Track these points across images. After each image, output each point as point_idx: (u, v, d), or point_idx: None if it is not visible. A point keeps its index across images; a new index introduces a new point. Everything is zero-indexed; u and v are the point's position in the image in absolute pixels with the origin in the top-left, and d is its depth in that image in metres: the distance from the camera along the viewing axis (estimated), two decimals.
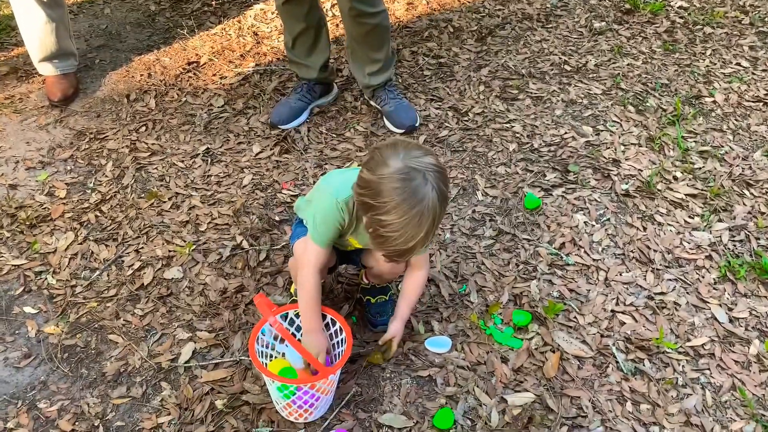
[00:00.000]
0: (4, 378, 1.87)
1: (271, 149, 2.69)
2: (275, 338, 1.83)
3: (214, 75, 3.14)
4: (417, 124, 2.75)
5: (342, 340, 1.77)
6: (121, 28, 3.51)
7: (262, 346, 1.79)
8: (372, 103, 2.86)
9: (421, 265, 1.85)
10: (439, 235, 2.32)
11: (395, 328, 1.88)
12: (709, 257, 2.25)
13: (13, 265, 2.19)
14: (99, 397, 1.83)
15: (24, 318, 2.04)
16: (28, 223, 2.33)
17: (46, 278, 2.15)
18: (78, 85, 3.03)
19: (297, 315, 1.83)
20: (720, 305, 2.10)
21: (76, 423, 1.76)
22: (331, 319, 1.80)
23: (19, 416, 1.77)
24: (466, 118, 2.85)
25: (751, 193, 2.50)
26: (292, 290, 2.04)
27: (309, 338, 1.73)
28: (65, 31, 2.92)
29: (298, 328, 1.84)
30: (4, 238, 2.28)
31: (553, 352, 1.95)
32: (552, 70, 3.16)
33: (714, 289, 2.15)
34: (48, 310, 2.06)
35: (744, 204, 2.45)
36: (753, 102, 2.97)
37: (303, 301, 1.74)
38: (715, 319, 2.06)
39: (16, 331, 2.00)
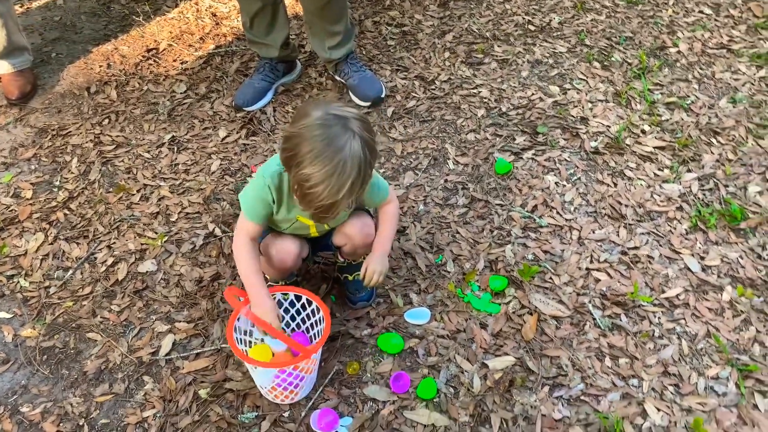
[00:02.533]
0: None
1: (237, 132, 2.66)
2: (253, 324, 1.83)
3: (175, 61, 3.08)
4: (383, 95, 2.73)
5: (320, 318, 1.78)
6: (75, 18, 3.42)
7: (242, 333, 1.79)
8: (337, 77, 2.83)
9: (389, 203, 1.85)
10: (413, 207, 2.32)
11: (370, 260, 1.80)
12: (680, 208, 2.27)
13: None
14: (82, 396, 1.82)
15: None
16: None
17: (18, 281, 2.13)
18: (36, 81, 2.96)
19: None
20: (692, 255, 2.13)
21: (61, 424, 1.76)
22: (307, 299, 1.80)
23: (2, 422, 1.76)
24: (433, 87, 2.83)
25: (719, 141, 2.51)
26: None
27: (257, 310, 1.68)
28: (14, 25, 2.84)
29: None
30: None
31: (531, 314, 1.97)
32: (516, 31, 3.14)
33: (686, 239, 2.18)
34: (23, 313, 2.04)
35: (711, 153, 2.47)
36: (717, 49, 2.97)
37: (241, 273, 1.72)
38: (688, 269, 2.09)
39: None
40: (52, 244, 2.24)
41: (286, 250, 1.77)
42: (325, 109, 1.49)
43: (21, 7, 3.48)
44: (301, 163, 1.46)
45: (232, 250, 1.84)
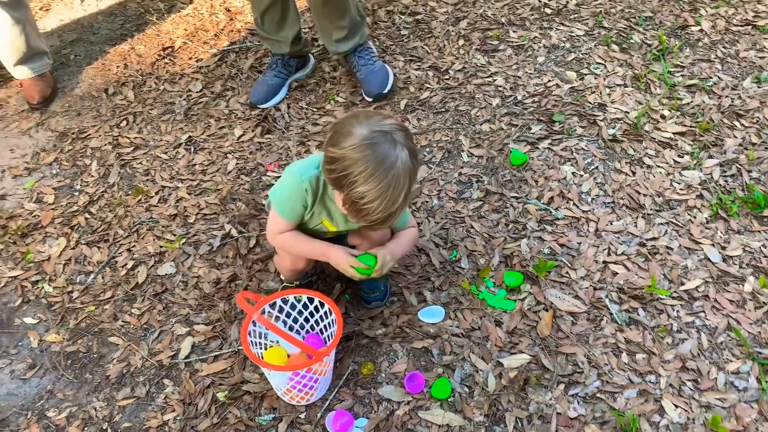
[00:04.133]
0: (12, 390, 1.92)
1: (252, 131, 2.67)
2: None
3: (190, 59, 3.09)
4: (386, 91, 2.68)
5: (332, 321, 1.79)
6: (93, 18, 3.46)
7: (257, 336, 1.81)
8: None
9: (410, 227, 1.88)
10: (427, 202, 2.31)
11: (382, 249, 1.77)
12: (701, 196, 2.22)
13: (9, 277, 2.22)
14: (105, 400, 1.87)
15: (25, 329, 2.08)
16: (19, 233, 2.35)
17: (42, 287, 2.18)
18: (55, 84, 3.01)
19: (284, 301, 1.84)
20: (713, 245, 2.08)
21: (85, 428, 1.81)
22: (320, 301, 1.82)
23: (30, 427, 1.82)
24: (446, 77, 2.80)
25: (742, 124, 2.44)
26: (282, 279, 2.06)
27: (333, 259, 1.75)
28: (33, 30, 2.88)
29: (288, 315, 1.87)
30: None
31: (546, 310, 1.96)
32: (532, 15, 3.07)
33: (706, 228, 2.13)
34: (48, 318, 2.10)
35: (734, 136, 2.40)
36: (741, 26, 2.88)
37: (300, 247, 1.77)
38: (708, 259, 2.05)
39: (19, 343, 2.04)
40: (74, 248, 2.29)
41: None
42: (368, 125, 1.50)
43: (41, 10, 3.53)
44: (355, 183, 1.47)
45: (277, 248, 1.85)
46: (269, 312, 1.84)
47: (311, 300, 1.84)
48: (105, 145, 2.69)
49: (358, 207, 1.51)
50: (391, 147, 1.48)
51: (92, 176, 2.56)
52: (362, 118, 1.53)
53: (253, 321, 1.76)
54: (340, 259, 1.73)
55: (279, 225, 1.74)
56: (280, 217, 1.72)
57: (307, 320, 1.90)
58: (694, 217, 2.17)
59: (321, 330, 1.89)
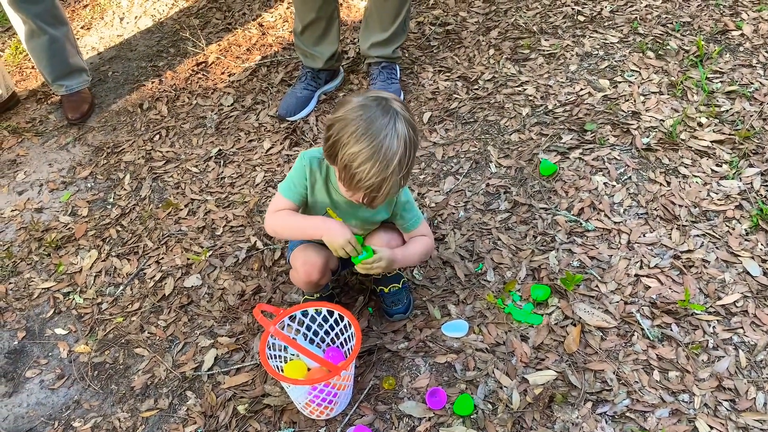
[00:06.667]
0: (41, 400, 1.96)
1: (281, 143, 2.68)
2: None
3: (223, 73, 3.14)
4: None
5: (352, 334, 1.77)
6: (131, 36, 3.54)
7: (277, 350, 1.80)
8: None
9: (426, 236, 1.84)
10: (453, 213, 2.27)
11: (383, 253, 1.70)
12: (740, 207, 2.13)
13: (42, 289, 2.27)
14: (129, 411, 1.89)
15: (56, 339, 2.12)
16: (54, 245, 2.40)
17: (73, 298, 2.23)
18: (93, 101, 3.09)
19: (304, 314, 1.83)
20: (752, 257, 1.99)
21: None
22: (339, 314, 1.80)
23: None
24: (476, 87, 2.76)
25: None
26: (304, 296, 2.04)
27: (328, 233, 1.63)
28: (72, 47, 2.97)
29: (308, 328, 1.86)
30: (33, 262, 2.37)
31: (574, 325, 1.89)
32: (565, 23, 3.02)
33: (745, 240, 2.04)
34: (77, 329, 2.13)
35: None
36: None
37: (287, 226, 1.70)
38: (748, 273, 1.95)
39: (49, 353, 2.08)
40: (104, 261, 2.33)
41: (312, 261, 1.77)
42: (365, 93, 1.55)
43: (83, 29, 3.63)
44: (347, 144, 1.48)
45: (272, 231, 1.76)
46: (289, 325, 1.83)
47: (331, 313, 1.82)
48: (138, 159, 2.74)
49: (351, 172, 1.50)
50: (385, 111, 1.49)
51: (125, 189, 2.61)
52: (363, 92, 1.58)
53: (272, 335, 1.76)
54: (335, 232, 1.62)
55: (278, 203, 1.74)
56: (280, 195, 1.73)
57: (327, 333, 1.88)
58: (733, 229, 2.07)
59: (342, 343, 1.87)
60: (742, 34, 2.77)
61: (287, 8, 3.48)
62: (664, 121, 2.44)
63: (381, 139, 1.47)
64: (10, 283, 2.31)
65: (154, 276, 2.25)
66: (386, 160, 1.47)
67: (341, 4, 3.37)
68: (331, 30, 2.67)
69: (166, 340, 2.06)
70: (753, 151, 2.28)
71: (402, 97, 2.74)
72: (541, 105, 2.62)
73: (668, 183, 2.24)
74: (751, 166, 2.24)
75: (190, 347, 2.03)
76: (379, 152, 1.47)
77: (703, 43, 2.71)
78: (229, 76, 3.11)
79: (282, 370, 1.79)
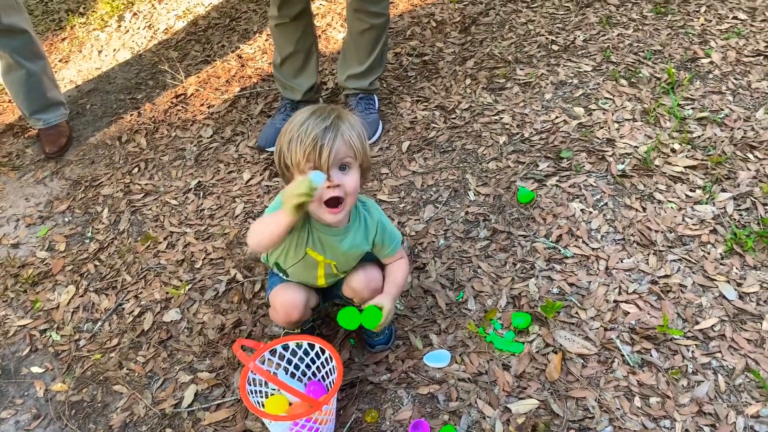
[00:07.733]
0: None
1: (260, 174, 2.69)
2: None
3: (202, 105, 3.14)
4: (370, 142, 2.70)
5: (334, 367, 1.75)
6: (109, 69, 3.54)
7: (257, 385, 1.79)
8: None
9: (402, 258, 1.86)
10: (433, 242, 2.28)
11: (379, 300, 1.74)
12: (714, 231, 2.16)
13: (18, 326, 2.24)
14: None
15: (32, 378, 2.08)
16: (30, 281, 2.37)
17: (50, 335, 2.19)
18: (71, 134, 3.07)
19: (285, 348, 1.82)
20: (728, 281, 2.01)
21: None
22: (320, 347, 1.79)
23: None
24: (453, 116, 2.80)
25: (756, 156, 2.38)
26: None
27: (287, 191, 1.51)
28: (50, 81, 2.96)
29: (289, 362, 1.84)
30: (9, 299, 2.33)
31: (555, 353, 1.90)
32: (539, 52, 3.07)
33: (721, 264, 2.07)
34: (54, 367, 2.10)
35: (748, 169, 2.34)
36: (753, 57, 2.83)
37: (262, 224, 1.66)
38: (724, 297, 1.98)
39: (25, 393, 2.04)
40: (82, 296, 2.31)
41: (293, 302, 1.76)
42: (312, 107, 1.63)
43: (60, 62, 3.63)
44: (284, 132, 1.58)
45: (253, 241, 1.67)
46: (269, 359, 1.82)
47: (312, 346, 1.81)
48: (117, 192, 2.72)
49: (292, 134, 1.54)
50: (324, 110, 1.58)
51: (103, 223, 2.59)
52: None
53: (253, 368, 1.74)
54: (292, 183, 1.53)
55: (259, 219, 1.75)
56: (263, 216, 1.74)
57: (308, 367, 1.87)
58: (708, 253, 2.10)
59: (323, 376, 1.86)
60: (711, 62, 2.84)
61: (266, 40, 3.51)
62: (638, 147, 2.48)
63: (314, 109, 1.58)
64: None
65: (133, 311, 2.23)
66: (321, 117, 1.54)
67: (320, 36, 3.41)
68: (309, 63, 2.71)
69: (145, 377, 2.03)
70: (725, 176, 2.33)
71: (381, 127, 2.77)
72: (518, 133, 2.65)
73: (644, 209, 2.27)
74: (723, 191, 2.28)
75: (169, 383, 2.00)
76: (312, 115, 1.55)
77: (674, 70, 2.77)
78: (209, 107, 3.12)
79: (263, 406, 1.77)
